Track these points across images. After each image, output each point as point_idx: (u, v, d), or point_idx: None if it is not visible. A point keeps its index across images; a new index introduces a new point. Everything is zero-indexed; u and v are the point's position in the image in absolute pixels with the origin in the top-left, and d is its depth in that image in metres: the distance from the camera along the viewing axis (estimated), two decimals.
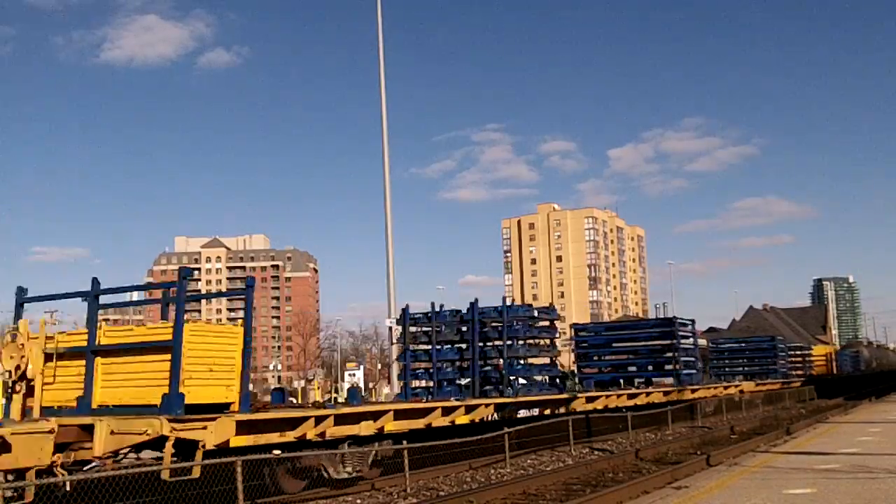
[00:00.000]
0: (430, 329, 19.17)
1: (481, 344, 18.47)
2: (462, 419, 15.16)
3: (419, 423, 13.88)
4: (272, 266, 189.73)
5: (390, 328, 23.79)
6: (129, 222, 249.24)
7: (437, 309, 19.28)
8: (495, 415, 16.96)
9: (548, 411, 19.00)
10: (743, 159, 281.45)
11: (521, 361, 18.91)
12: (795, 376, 42.11)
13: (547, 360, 19.95)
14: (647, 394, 23.37)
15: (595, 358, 27.15)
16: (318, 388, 79.44)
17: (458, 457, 15.17)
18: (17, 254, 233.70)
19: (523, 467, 15.39)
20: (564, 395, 19.10)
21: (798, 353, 46.50)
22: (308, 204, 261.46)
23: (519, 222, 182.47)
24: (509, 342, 18.17)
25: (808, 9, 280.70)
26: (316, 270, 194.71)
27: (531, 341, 19.16)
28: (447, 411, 14.70)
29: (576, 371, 26.84)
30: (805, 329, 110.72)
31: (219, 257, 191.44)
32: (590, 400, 19.96)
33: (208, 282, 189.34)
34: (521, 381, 18.92)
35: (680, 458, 16.21)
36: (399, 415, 13.28)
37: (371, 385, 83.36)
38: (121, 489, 9.77)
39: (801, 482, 10.18)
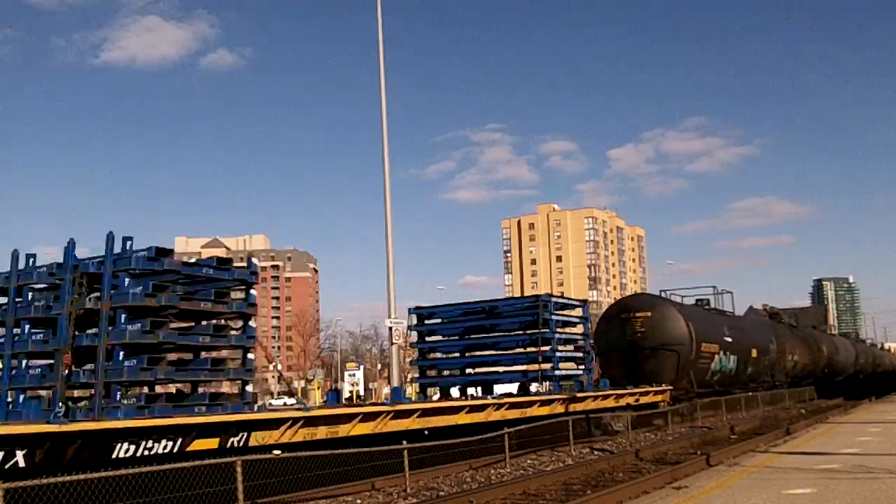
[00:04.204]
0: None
1: None
2: None
3: None
4: (272, 266, 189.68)
5: (390, 328, 23.77)
6: (129, 222, 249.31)
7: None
8: None
9: None
10: (743, 159, 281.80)
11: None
12: None
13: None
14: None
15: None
16: (318, 388, 79.42)
17: (457, 457, 15.17)
18: None
19: (523, 467, 15.39)
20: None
21: None
22: (308, 204, 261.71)
23: (519, 222, 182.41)
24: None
25: (808, 9, 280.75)
26: (316, 270, 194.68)
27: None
28: None
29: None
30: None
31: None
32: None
33: None
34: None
35: (680, 458, 16.21)
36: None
37: (371, 385, 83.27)
38: (121, 488, 9.77)
39: (801, 482, 10.18)
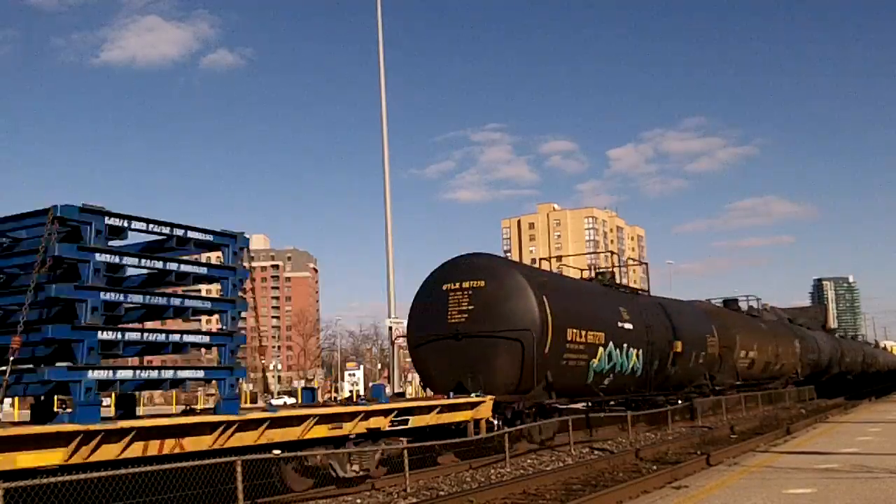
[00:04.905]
0: None
1: None
2: None
3: None
4: (272, 266, 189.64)
5: (390, 328, 23.83)
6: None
7: None
8: None
9: None
10: (743, 159, 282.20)
11: None
12: None
13: None
14: None
15: None
16: (319, 388, 79.54)
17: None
18: None
19: (523, 467, 15.39)
20: None
21: None
22: (308, 204, 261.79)
23: (519, 222, 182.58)
24: None
25: (809, 9, 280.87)
26: (316, 270, 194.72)
27: None
28: None
29: None
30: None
31: (219, 257, 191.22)
32: None
33: None
34: None
35: (680, 457, 16.21)
36: None
37: (371, 385, 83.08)
38: (122, 488, 9.78)
39: (801, 482, 10.18)
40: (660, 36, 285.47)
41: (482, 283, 17.35)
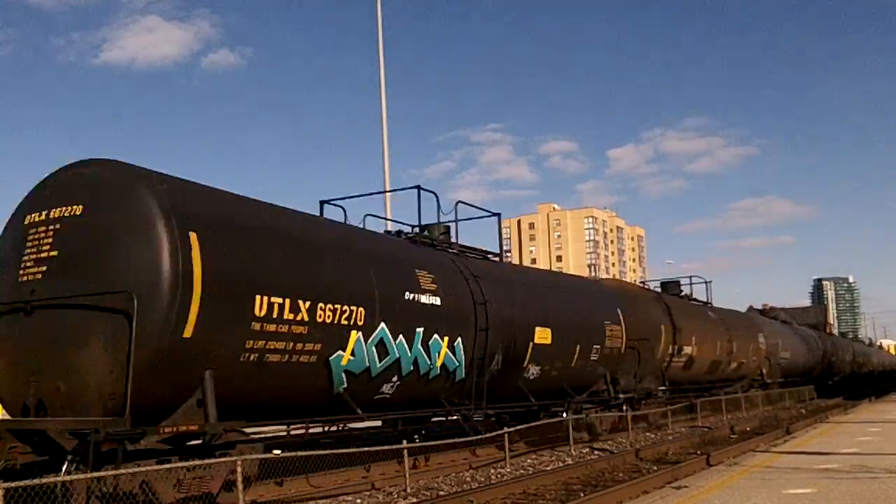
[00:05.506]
0: None
1: None
2: None
3: None
4: None
5: None
6: None
7: None
8: None
9: None
10: (743, 159, 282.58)
11: None
12: None
13: None
14: None
15: None
16: None
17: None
18: None
19: (523, 467, 15.39)
20: None
21: None
22: (308, 204, 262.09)
23: (519, 222, 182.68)
24: None
25: (808, 9, 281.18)
26: None
27: None
28: None
29: None
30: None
31: None
32: None
33: None
34: None
35: (680, 457, 16.22)
36: None
37: None
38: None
39: (800, 482, 10.20)
40: (660, 36, 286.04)
41: (79, 210, 9.39)
